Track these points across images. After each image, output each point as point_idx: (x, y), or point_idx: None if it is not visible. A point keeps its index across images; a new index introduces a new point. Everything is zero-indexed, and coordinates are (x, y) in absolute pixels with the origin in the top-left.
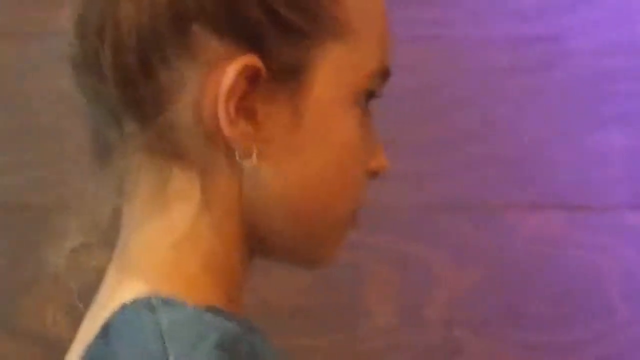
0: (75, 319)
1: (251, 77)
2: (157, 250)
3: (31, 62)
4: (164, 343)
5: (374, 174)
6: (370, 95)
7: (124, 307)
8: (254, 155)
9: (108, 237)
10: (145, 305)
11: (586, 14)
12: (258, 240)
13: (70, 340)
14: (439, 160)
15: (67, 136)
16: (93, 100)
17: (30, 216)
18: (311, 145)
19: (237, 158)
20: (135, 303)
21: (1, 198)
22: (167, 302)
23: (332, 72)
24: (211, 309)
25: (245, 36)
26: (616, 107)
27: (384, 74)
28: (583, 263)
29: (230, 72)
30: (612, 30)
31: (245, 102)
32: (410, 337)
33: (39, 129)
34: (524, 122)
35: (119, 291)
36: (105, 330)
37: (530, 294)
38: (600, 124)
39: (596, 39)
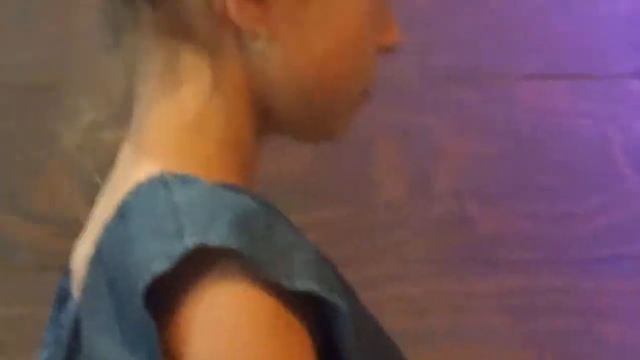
0: (90, 198)
1: None
2: (170, 130)
3: None
4: (179, 221)
5: (386, 50)
6: None
7: (139, 187)
8: (263, 37)
9: (121, 114)
10: (160, 184)
11: None
12: (270, 119)
13: (85, 219)
14: (445, 31)
15: (75, 16)
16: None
17: (39, 96)
18: (320, 24)
19: (246, 40)
20: (150, 182)
21: (9, 78)
22: (182, 180)
23: None
24: (226, 186)
25: None
26: None
27: None
28: (591, 132)
29: None
30: None
31: None
32: (418, 210)
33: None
34: None
35: (134, 171)
36: (121, 210)
37: (537, 164)
38: None
39: None
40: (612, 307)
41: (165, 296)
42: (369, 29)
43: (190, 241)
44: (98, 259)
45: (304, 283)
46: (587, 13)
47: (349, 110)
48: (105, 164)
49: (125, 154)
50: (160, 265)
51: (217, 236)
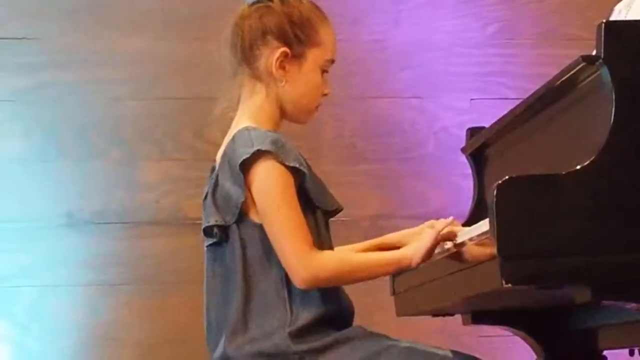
0: (223, 134)
1: (285, 55)
2: (251, 110)
3: None
4: (252, 141)
5: (325, 95)
6: (326, 68)
7: (239, 130)
8: (284, 82)
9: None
10: (245, 130)
11: None
12: (283, 113)
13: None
14: None
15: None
16: (234, 58)
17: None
18: (303, 81)
19: (278, 82)
20: (242, 128)
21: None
22: (253, 128)
23: (313, 57)
24: (269, 131)
25: (284, 41)
26: None
27: (332, 61)
28: None
29: (278, 53)
30: None
31: (283, 64)
32: None
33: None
34: None
35: (238, 126)
36: (233, 138)
37: None
38: None
39: None
40: None
41: (247, 167)
42: (319, 86)
43: (255, 148)
44: (224, 153)
45: (294, 164)
46: None
47: (309, 114)
48: (228, 124)
49: (235, 120)
50: (245, 155)
51: (265, 146)
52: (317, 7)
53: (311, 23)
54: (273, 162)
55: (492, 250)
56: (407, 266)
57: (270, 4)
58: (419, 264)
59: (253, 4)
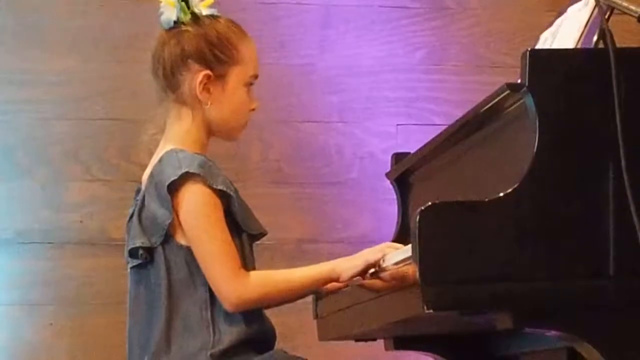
0: (149, 157)
1: (208, 77)
2: (177, 134)
3: None
4: (179, 163)
5: (252, 110)
6: (250, 83)
7: (166, 152)
8: (209, 104)
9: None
10: (173, 151)
11: None
12: (211, 131)
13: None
14: None
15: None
16: (158, 85)
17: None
18: (228, 100)
19: (203, 104)
20: (169, 150)
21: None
22: (181, 150)
23: (235, 75)
24: (196, 153)
25: (205, 63)
26: None
27: (256, 76)
28: None
29: (201, 76)
30: None
31: (207, 86)
32: None
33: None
34: None
35: (164, 149)
36: (160, 159)
37: None
38: None
39: None
40: None
41: (174, 189)
42: (246, 102)
43: (183, 170)
44: (151, 174)
45: (222, 187)
46: None
47: (239, 131)
48: (155, 146)
49: (162, 143)
50: (173, 177)
51: (193, 168)
52: (234, 23)
53: (230, 41)
54: (201, 185)
55: (414, 275)
56: (335, 281)
57: (187, 27)
58: (346, 281)
59: (170, 29)
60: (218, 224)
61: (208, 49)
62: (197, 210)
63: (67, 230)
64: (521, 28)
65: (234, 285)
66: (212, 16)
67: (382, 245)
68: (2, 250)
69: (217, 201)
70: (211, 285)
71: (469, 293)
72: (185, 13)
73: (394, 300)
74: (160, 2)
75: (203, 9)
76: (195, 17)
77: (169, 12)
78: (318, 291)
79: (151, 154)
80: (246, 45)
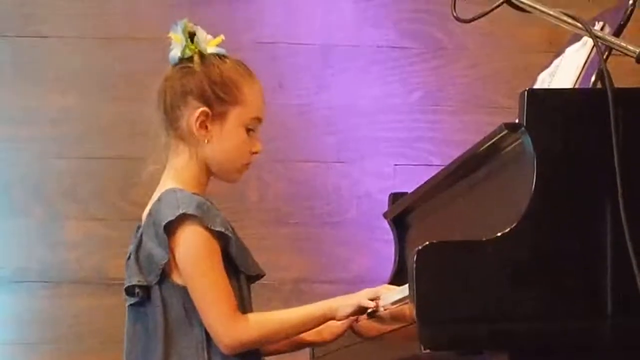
0: (148, 195)
1: (206, 115)
2: (176, 171)
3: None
4: (178, 203)
5: (255, 153)
6: (252, 125)
7: (165, 190)
8: (206, 141)
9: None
10: (172, 190)
11: None
12: (210, 171)
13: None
14: None
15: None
16: (160, 120)
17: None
18: (225, 139)
19: (201, 142)
20: (168, 189)
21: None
22: (180, 190)
23: (235, 116)
24: (194, 193)
25: (204, 101)
26: None
27: (258, 119)
28: None
29: (198, 113)
30: None
31: (204, 124)
32: None
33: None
34: None
35: (164, 186)
36: (159, 198)
37: None
38: None
39: None
40: None
41: (171, 230)
42: (246, 144)
43: (181, 211)
44: (150, 212)
45: (220, 228)
46: None
47: (238, 172)
48: (155, 185)
49: (162, 181)
50: (171, 217)
51: (190, 210)
52: (241, 65)
53: (233, 81)
54: (198, 227)
55: (411, 314)
56: (331, 319)
57: (192, 64)
58: (342, 319)
59: (176, 65)
60: (214, 266)
61: (209, 87)
62: (193, 252)
63: (64, 270)
64: (518, 68)
65: (228, 328)
66: (220, 55)
67: (379, 287)
68: None
69: (214, 243)
70: (207, 327)
71: (467, 333)
72: (190, 50)
73: (392, 339)
74: (170, 38)
75: (209, 48)
76: (202, 55)
77: (177, 48)
78: (318, 342)
79: (150, 193)
80: (250, 87)
